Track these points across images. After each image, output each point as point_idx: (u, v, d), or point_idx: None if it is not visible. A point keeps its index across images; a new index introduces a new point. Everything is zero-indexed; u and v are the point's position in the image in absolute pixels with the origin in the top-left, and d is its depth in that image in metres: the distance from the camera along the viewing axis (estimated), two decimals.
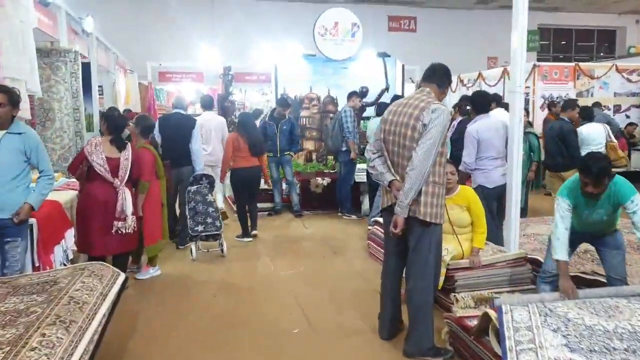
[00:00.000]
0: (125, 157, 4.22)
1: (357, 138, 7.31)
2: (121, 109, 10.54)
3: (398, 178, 3.14)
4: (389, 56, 9.54)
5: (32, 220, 3.47)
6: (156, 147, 4.91)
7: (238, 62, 11.62)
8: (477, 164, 4.64)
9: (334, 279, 4.71)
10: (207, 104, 7.20)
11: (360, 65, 9.40)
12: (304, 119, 9.13)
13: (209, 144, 6.82)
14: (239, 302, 4.16)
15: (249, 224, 6.31)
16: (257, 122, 10.21)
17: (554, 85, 10.22)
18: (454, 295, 3.35)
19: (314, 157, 9.27)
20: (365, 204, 7.47)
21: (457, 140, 5.63)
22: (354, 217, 7.22)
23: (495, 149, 4.59)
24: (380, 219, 5.47)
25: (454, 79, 12.84)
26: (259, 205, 7.55)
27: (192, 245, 5.51)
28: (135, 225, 4.22)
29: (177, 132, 5.80)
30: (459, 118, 6.75)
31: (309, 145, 9.22)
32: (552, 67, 10.43)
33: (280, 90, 9.05)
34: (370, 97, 8.60)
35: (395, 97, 5.90)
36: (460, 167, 4.56)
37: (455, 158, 4.79)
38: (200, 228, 5.51)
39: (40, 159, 3.42)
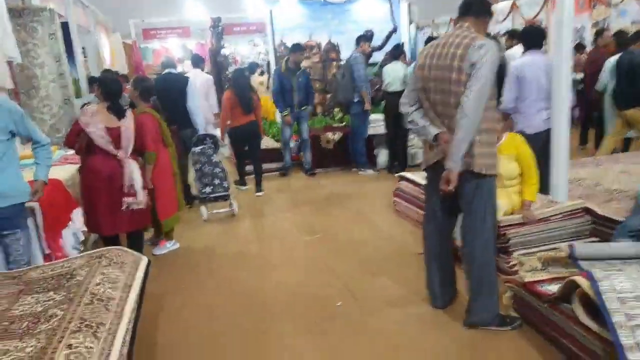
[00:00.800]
0: (127, 126, 3.78)
1: (370, 87, 6.85)
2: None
3: (445, 130, 2.77)
4: None
5: (34, 205, 3.08)
6: (159, 112, 4.45)
7: (226, 13, 10.89)
8: (517, 107, 4.24)
9: (363, 242, 4.39)
10: (195, 62, 7.04)
11: (362, 8, 8.79)
12: (305, 69, 8.59)
13: None
14: (267, 275, 3.84)
15: (255, 185, 6.30)
16: (256, 76, 9.73)
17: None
18: (517, 257, 3.03)
19: (318, 110, 8.81)
20: (381, 158, 7.10)
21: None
22: (370, 172, 6.86)
23: (538, 90, 4.17)
24: (408, 174, 5.15)
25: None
26: (268, 165, 7.20)
27: (202, 207, 5.39)
28: (147, 200, 3.84)
29: (173, 93, 5.51)
30: None
31: None
32: None
33: (277, 40, 8.46)
34: (376, 41, 8.06)
35: (430, 39, 5.51)
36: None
37: None
38: (208, 190, 5.40)
39: (31, 129, 3.04)
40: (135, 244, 3.97)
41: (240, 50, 13.06)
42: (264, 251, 4.37)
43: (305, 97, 6.99)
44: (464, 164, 2.70)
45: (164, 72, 5.95)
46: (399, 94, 6.52)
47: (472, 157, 2.69)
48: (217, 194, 5.46)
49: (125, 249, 2.93)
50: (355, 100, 6.71)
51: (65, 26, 7.30)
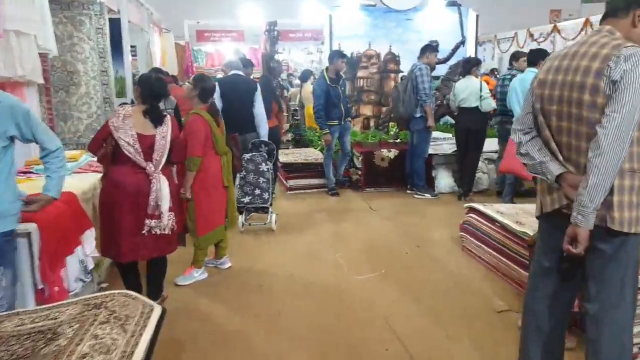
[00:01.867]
0: (163, 135, 3.13)
1: (434, 102, 6.02)
2: None
3: (572, 169, 1.94)
4: (460, 5, 8.04)
5: (30, 227, 2.43)
6: (217, 115, 3.83)
7: (282, 18, 10.28)
8: None
9: (428, 288, 3.56)
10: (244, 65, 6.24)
11: (426, 17, 7.95)
12: (362, 80, 7.86)
13: None
14: (312, 319, 3.08)
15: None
16: (308, 84, 9.04)
17: None
18: None
19: (371, 124, 8.04)
20: (441, 180, 6.23)
21: None
22: (427, 195, 6.00)
23: None
24: (479, 206, 4.28)
25: (522, 33, 11.20)
26: (313, 180, 6.49)
27: (240, 217, 4.81)
28: (174, 223, 3.16)
29: (238, 96, 5.02)
30: None
31: (366, 110, 7.99)
32: None
33: (335, 47, 7.73)
34: (441, 54, 7.23)
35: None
36: None
37: None
38: (246, 199, 4.94)
39: (37, 130, 2.39)
40: (157, 273, 3.32)
41: (294, 57, 12.47)
42: (306, 288, 3.61)
43: (348, 107, 6.35)
44: (598, 217, 1.87)
45: (230, 73, 5.32)
46: (472, 110, 5.70)
47: (610, 208, 1.87)
48: (254, 205, 4.95)
49: (135, 294, 2.23)
50: (418, 115, 5.89)
51: (115, 23, 6.86)
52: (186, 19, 11.56)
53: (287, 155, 6.90)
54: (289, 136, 8.28)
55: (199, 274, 3.81)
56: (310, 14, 11.84)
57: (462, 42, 7.17)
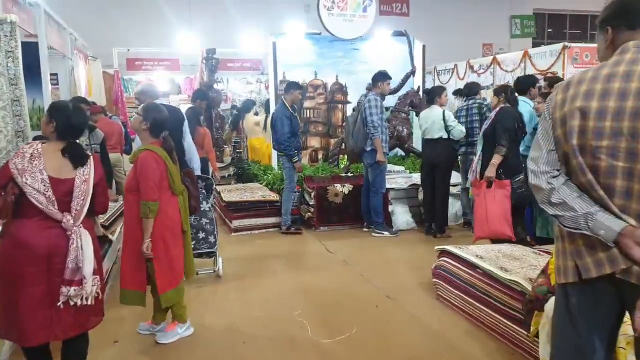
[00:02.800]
0: (84, 179, 2.45)
1: (386, 134, 5.64)
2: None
3: (632, 221, 1.51)
4: (405, 35, 7.87)
5: None
6: (171, 150, 3.19)
7: (220, 47, 9.67)
8: None
9: (411, 353, 3.03)
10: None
11: (374, 47, 7.69)
12: (308, 110, 7.41)
13: None
14: None
15: None
16: (251, 115, 8.47)
17: (586, 69, 8.76)
18: None
19: (320, 156, 7.58)
20: (400, 217, 5.81)
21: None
22: (386, 233, 5.55)
23: None
24: (452, 248, 3.86)
25: (462, 65, 11.34)
26: (264, 220, 5.89)
27: None
28: (98, 290, 2.45)
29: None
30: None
31: (314, 142, 7.53)
32: (584, 49, 8.97)
33: (280, 77, 7.26)
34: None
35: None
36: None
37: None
38: None
39: None
40: (75, 356, 2.55)
41: (233, 87, 11.86)
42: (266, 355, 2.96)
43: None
44: None
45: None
46: (435, 142, 5.26)
47: None
48: (199, 250, 4.25)
49: None
50: (368, 148, 5.50)
51: (32, 47, 5.99)
52: (115, 46, 10.66)
53: (231, 193, 6.24)
54: (231, 170, 7.62)
55: (183, 330, 3.18)
56: (250, 43, 11.36)
57: (412, 72, 6.94)
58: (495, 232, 4.25)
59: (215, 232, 4.46)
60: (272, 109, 7.21)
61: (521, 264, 3.37)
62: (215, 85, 8.22)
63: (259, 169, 7.42)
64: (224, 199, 5.94)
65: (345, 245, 5.25)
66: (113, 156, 6.30)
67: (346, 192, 5.88)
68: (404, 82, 6.70)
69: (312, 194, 5.85)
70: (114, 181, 6.09)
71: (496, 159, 4.24)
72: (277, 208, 5.91)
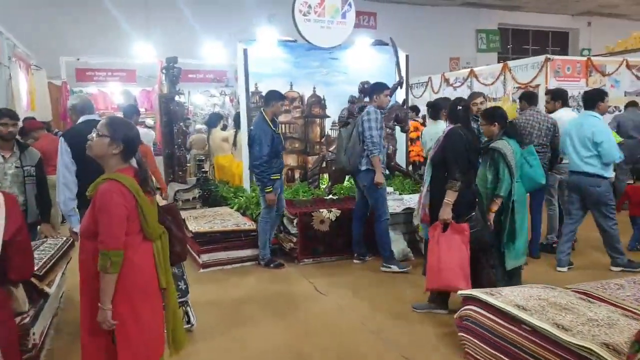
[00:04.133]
0: None
1: (384, 152, 4.90)
2: (21, 116, 7.45)
3: None
4: (387, 44, 7.22)
5: None
6: (146, 180, 2.32)
7: (181, 57, 8.72)
8: None
9: None
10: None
11: (354, 56, 6.98)
12: (284, 125, 6.57)
13: None
14: None
15: None
16: (218, 130, 7.56)
17: (567, 83, 8.39)
18: None
19: (297, 176, 6.76)
20: (394, 246, 5.03)
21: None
22: (394, 268, 4.71)
23: None
24: (481, 294, 3.11)
25: (436, 78, 10.85)
26: (237, 252, 5.01)
27: None
28: None
29: None
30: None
31: (290, 160, 6.69)
32: (565, 62, 8.61)
33: (252, 88, 6.41)
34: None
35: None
36: None
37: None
38: None
39: None
40: None
41: (194, 100, 10.90)
42: None
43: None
44: None
45: (80, 121, 3.63)
46: None
47: None
48: None
49: None
50: (364, 168, 4.72)
51: None
52: (63, 55, 9.52)
53: (198, 220, 5.30)
54: (196, 193, 6.67)
55: None
56: (213, 54, 10.45)
57: (400, 84, 6.25)
58: (449, 285, 3.51)
59: (185, 276, 3.56)
60: (243, 123, 6.39)
61: (577, 318, 2.65)
62: (177, 98, 7.27)
63: (228, 190, 6.50)
64: (190, 228, 5.00)
65: (338, 284, 4.41)
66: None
67: (333, 219, 5.07)
68: (391, 94, 5.98)
69: (295, 222, 5.00)
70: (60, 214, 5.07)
71: (450, 197, 3.43)
72: (254, 238, 5.03)
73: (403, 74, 6.84)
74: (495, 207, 3.80)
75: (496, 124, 3.91)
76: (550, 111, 5.33)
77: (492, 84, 9.26)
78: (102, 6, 10.85)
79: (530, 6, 15.94)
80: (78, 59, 9.80)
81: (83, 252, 2.19)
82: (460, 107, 3.59)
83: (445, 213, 3.46)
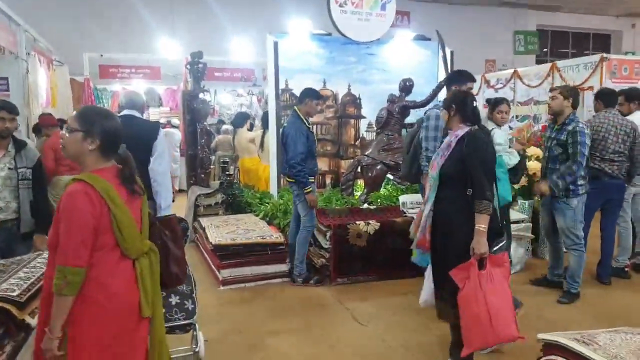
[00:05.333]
0: None
1: None
2: (38, 112, 7.00)
3: None
4: (429, 39, 6.51)
5: None
6: (132, 180, 1.92)
7: (208, 55, 8.15)
8: None
9: None
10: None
11: (394, 51, 6.29)
12: (315, 125, 5.93)
13: None
14: None
15: None
16: (244, 130, 6.95)
17: (623, 84, 7.52)
18: None
19: (328, 181, 6.10)
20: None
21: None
22: None
23: None
24: (563, 339, 2.39)
25: (477, 79, 10.04)
26: (263, 268, 4.37)
27: None
28: None
29: (132, 148, 2.71)
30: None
31: (321, 164, 6.01)
32: (622, 62, 7.75)
33: (281, 85, 5.79)
34: (413, 95, 5.56)
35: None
36: None
37: None
38: None
39: None
40: None
41: (220, 100, 10.36)
42: None
43: None
44: None
45: (120, 114, 3.38)
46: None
47: None
48: (172, 323, 2.64)
49: None
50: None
51: None
52: (86, 51, 9.10)
53: (220, 229, 4.69)
54: (219, 198, 6.06)
55: None
56: (240, 51, 9.89)
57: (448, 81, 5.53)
58: (509, 338, 2.58)
59: (194, 294, 2.93)
60: (272, 123, 5.77)
61: None
62: (201, 95, 6.70)
63: (253, 196, 5.88)
64: (210, 239, 4.39)
65: (382, 312, 3.70)
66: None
67: (371, 232, 4.38)
68: (436, 93, 5.29)
69: (328, 235, 4.33)
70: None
71: (483, 222, 2.55)
72: (281, 252, 4.38)
73: (450, 71, 6.10)
74: (485, 223, 3.06)
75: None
76: (624, 114, 4.54)
77: (538, 85, 8.42)
78: (126, 0, 10.39)
79: (571, 7, 14.97)
80: (102, 55, 9.39)
81: (49, 267, 1.78)
82: (475, 103, 2.79)
83: (482, 245, 2.53)
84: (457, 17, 14.22)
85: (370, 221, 4.43)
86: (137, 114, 3.42)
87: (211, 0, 10.61)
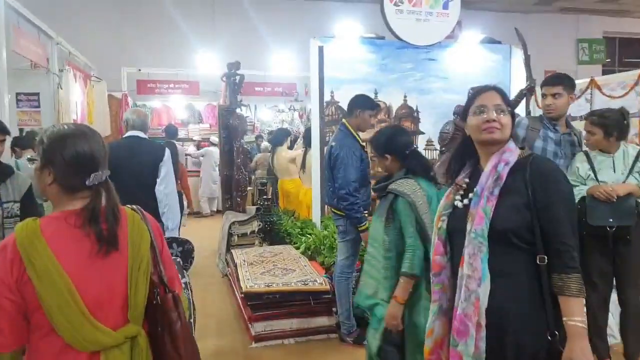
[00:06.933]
0: None
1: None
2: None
3: None
4: (499, 42, 5.52)
5: None
6: (93, 219, 1.25)
7: (247, 69, 7.45)
8: None
9: None
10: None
11: (457, 56, 5.34)
12: (366, 143, 5.01)
13: None
14: None
15: None
16: (284, 149, 6.13)
17: None
18: None
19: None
20: None
21: None
22: None
23: None
24: None
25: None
26: (307, 320, 3.46)
27: None
28: None
29: (133, 170, 3.06)
30: None
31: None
32: None
33: (327, 96, 4.94)
34: None
35: None
36: None
37: None
38: None
39: None
40: None
41: (260, 116, 9.67)
42: None
43: None
44: None
45: (126, 135, 3.37)
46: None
47: None
48: None
49: None
50: None
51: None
52: (124, 65, 8.63)
53: (253, 268, 3.84)
54: (255, 226, 5.24)
55: None
56: (282, 64, 9.18)
57: (529, 90, 4.51)
58: None
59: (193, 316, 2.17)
60: (315, 140, 4.92)
61: None
62: (238, 110, 5.97)
63: (293, 225, 5.02)
64: (241, 283, 3.54)
65: None
66: None
67: None
68: (518, 101, 4.28)
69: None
70: None
71: (579, 312, 1.45)
72: (328, 301, 3.47)
73: (521, 79, 5.09)
74: (403, 294, 2.13)
75: (388, 155, 2.34)
76: None
77: (623, 96, 7.19)
78: (166, 14, 9.90)
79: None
80: (139, 70, 8.89)
81: None
82: None
83: (585, 354, 1.41)
84: (512, 26, 13.04)
85: None
86: (143, 134, 3.29)
87: (253, 12, 9.98)
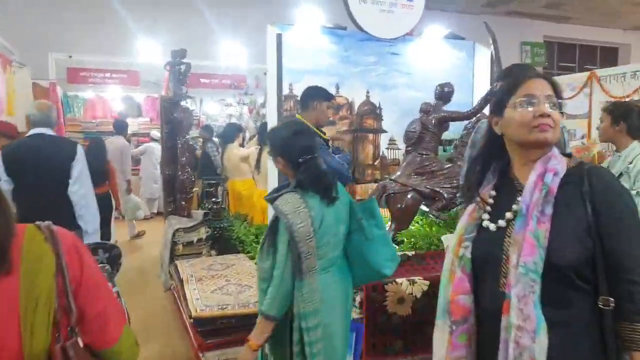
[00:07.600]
0: None
1: None
2: None
3: None
4: (463, 38, 5.29)
5: None
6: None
7: (193, 59, 6.77)
8: None
9: None
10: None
11: (422, 51, 5.04)
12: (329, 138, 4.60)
13: None
14: None
15: None
16: (235, 147, 5.58)
17: None
18: None
19: None
20: None
21: None
22: None
23: None
24: None
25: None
26: None
27: None
28: None
29: (39, 171, 2.91)
30: None
31: None
32: None
33: (285, 88, 4.47)
34: (456, 104, 4.31)
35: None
36: None
37: None
38: None
39: None
40: None
41: (207, 109, 9.01)
42: None
43: None
44: None
45: (29, 134, 3.15)
46: None
47: None
48: None
49: None
50: None
51: None
52: (53, 51, 7.68)
53: (202, 284, 3.32)
54: (202, 233, 4.67)
55: None
56: (231, 54, 8.54)
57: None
58: None
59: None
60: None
61: None
62: (183, 103, 5.36)
63: (247, 231, 4.51)
64: (189, 304, 3.01)
65: None
66: None
67: (419, 295, 3.05)
68: (484, 104, 4.02)
69: (357, 300, 2.99)
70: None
71: None
72: None
73: (485, 78, 4.88)
74: (259, 338, 1.84)
75: (281, 159, 2.00)
76: None
77: (572, 97, 7.23)
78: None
79: (580, 18, 13.98)
80: (70, 57, 7.95)
81: None
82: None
83: None
84: (460, 27, 13.11)
85: (417, 278, 3.10)
86: (49, 131, 3.09)
87: None
